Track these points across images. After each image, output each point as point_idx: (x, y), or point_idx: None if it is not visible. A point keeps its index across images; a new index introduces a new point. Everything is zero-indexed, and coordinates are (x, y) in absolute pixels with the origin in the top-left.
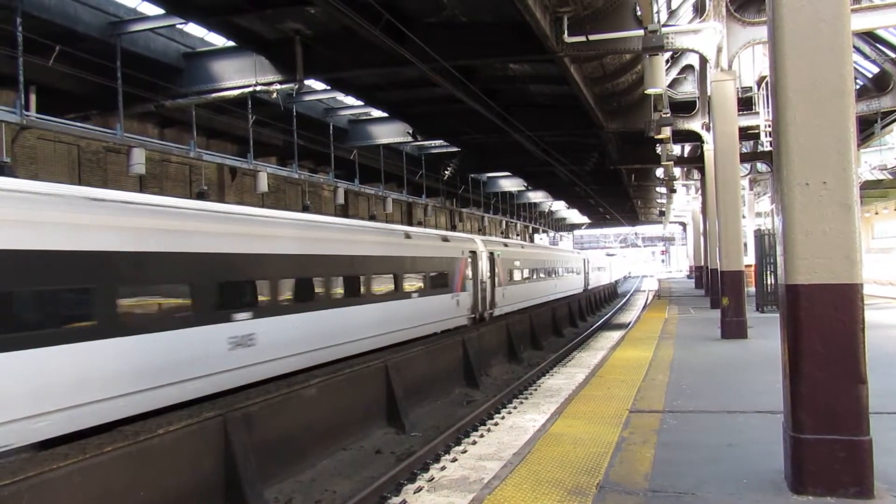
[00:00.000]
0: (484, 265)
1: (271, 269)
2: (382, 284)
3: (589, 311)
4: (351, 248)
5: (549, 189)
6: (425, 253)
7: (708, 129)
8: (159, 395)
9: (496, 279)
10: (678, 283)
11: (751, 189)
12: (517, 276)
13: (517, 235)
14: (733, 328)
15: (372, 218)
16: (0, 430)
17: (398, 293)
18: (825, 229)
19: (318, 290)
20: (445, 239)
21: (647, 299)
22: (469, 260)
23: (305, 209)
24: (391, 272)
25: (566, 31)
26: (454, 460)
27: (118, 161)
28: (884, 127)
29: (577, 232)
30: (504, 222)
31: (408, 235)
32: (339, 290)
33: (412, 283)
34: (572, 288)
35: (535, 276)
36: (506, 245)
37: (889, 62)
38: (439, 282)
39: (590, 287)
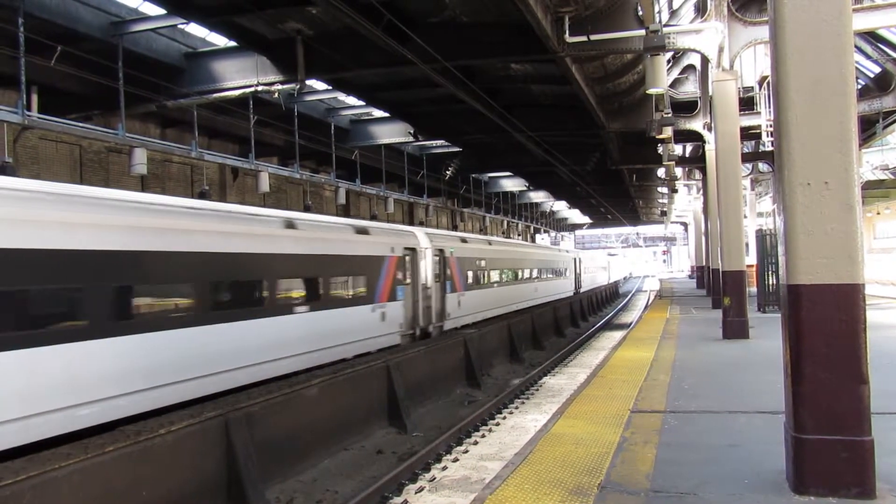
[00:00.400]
0: (428, 266)
1: None
2: (239, 295)
3: (591, 312)
4: (177, 241)
5: (551, 189)
6: (324, 250)
7: (709, 129)
8: None
9: (449, 284)
10: (680, 284)
11: (752, 189)
12: (480, 279)
13: (518, 235)
14: (735, 328)
15: (374, 218)
16: None
17: (269, 308)
18: (827, 229)
19: (84, 306)
20: (363, 231)
21: (648, 299)
22: (405, 259)
23: (307, 209)
24: (258, 277)
25: (567, 31)
26: (456, 460)
27: (120, 161)
28: (886, 127)
29: (578, 232)
30: (505, 222)
31: (291, 225)
32: (145, 307)
33: (298, 292)
34: (558, 292)
35: (505, 280)
36: (464, 241)
37: (891, 62)
38: (350, 289)
39: (582, 290)
